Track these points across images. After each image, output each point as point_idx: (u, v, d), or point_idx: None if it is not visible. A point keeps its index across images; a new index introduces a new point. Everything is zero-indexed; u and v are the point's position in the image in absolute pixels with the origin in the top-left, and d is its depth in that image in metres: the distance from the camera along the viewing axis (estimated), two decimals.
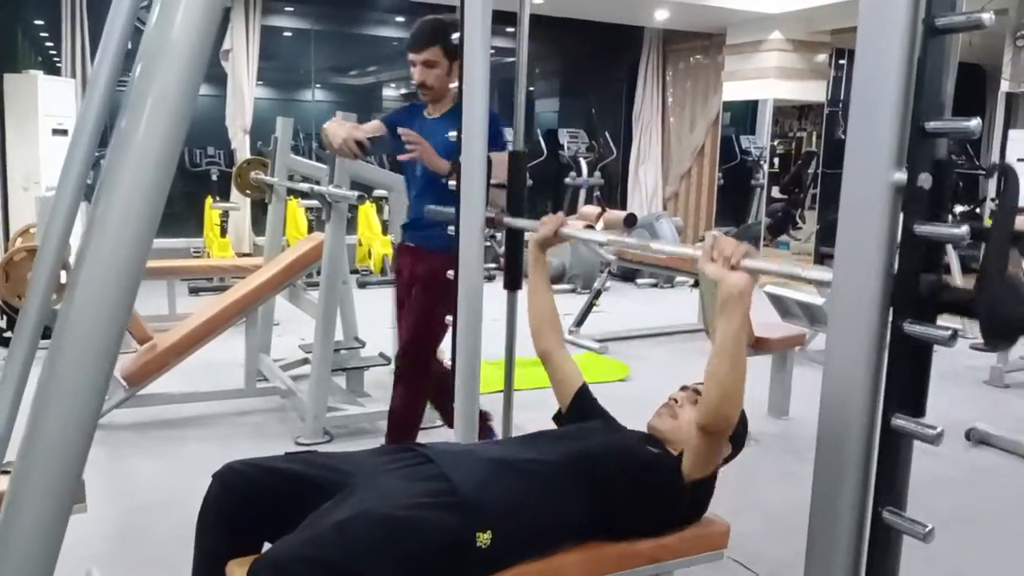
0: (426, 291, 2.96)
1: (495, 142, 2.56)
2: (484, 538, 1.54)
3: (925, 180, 1.11)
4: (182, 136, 1.02)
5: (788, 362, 4.22)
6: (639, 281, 8.14)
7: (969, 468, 3.65)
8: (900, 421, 1.16)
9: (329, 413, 3.71)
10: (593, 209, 5.77)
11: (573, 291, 7.64)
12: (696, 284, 6.13)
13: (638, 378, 4.91)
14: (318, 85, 9.84)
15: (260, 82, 8.20)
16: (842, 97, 9.53)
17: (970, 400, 4.76)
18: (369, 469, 1.68)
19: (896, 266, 1.15)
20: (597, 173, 9.17)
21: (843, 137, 10.01)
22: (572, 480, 1.70)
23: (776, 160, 10.94)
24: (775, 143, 10.78)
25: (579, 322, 5.81)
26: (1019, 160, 9.66)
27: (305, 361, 4.41)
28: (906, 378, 1.17)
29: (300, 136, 9.28)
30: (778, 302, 5.30)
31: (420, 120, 2.97)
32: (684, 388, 2.02)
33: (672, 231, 8.16)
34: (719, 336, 1.52)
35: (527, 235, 2.20)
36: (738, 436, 1.96)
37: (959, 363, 5.62)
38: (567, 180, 9.11)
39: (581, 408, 2.06)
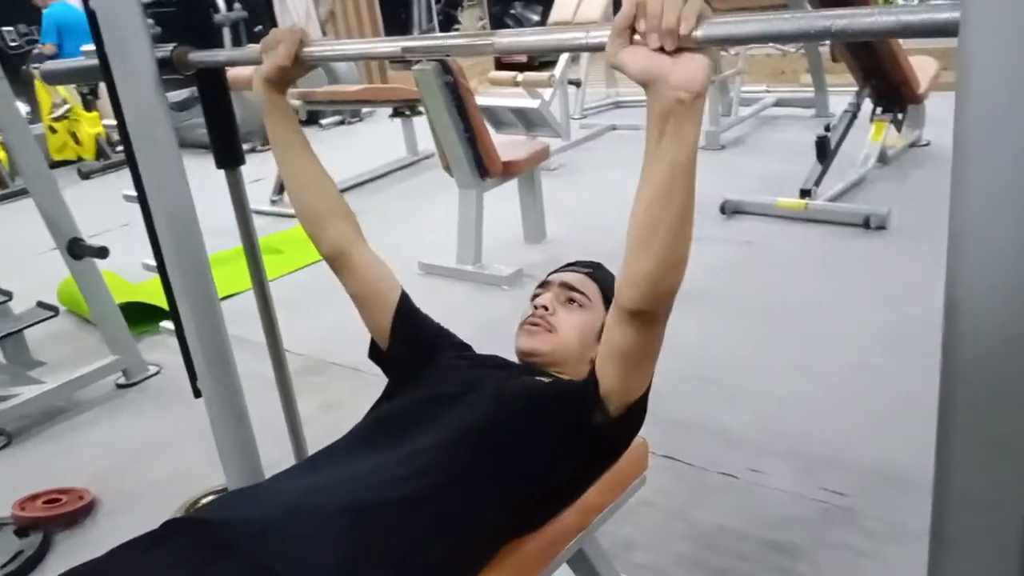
0: None
1: None
2: None
3: None
4: None
5: (536, 182, 3.78)
6: (323, 122, 7.22)
7: (746, 245, 3.54)
8: None
9: None
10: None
11: (252, 151, 6.56)
12: (398, 113, 5.44)
13: (381, 237, 4.20)
14: None
15: None
16: None
17: (700, 166, 4.74)
18: None
19: None
20: (237, 5, 7.77)
21: None
22: (472, 479, 1.08)
23: None
24: None
25: (281, 188, 4.90)
26: None
27: None
28: None
29: None
30: (490, 113, 4.83)
31: None
32: (545, 285, 1.42)
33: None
34: (658, 167, 0.89)
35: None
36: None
37: None
38: None
39: (409, 334, 1.36)
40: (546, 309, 1.35)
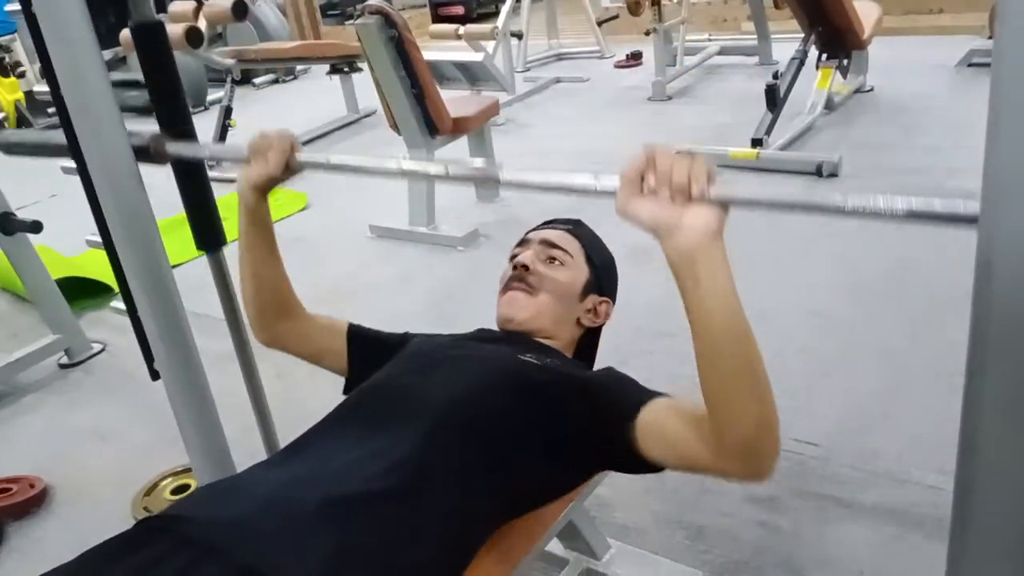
0: None
1: None
2: None
3: None
4: None
5: (487, 137, 3.70)
6: (256, 81, 6.95)
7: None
8: None
9: None
10: (187, 4, 4.50)
11: None
12: (336, 70, 5.26)
13: (327, 201, 4.09)
14: None
15: None
16: None
17: (650, 118, 4.73)
18: None
19: None
20: None
21: None
22: (462, 467, 1.03)
23: None
24: None
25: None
26: None
27: None
28: None
29: None
30: (432, 68, 4.69)
31: None
32: (524, 242, 1.37)
33: (276, 14, 6.97)
34: (704, 319, 0.84)
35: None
36: (612, 284, 1.40)
37: (615, 86, 5.56)
38: None
39: (369, 344, 1.34)
40: (526, 269, 1.30)
